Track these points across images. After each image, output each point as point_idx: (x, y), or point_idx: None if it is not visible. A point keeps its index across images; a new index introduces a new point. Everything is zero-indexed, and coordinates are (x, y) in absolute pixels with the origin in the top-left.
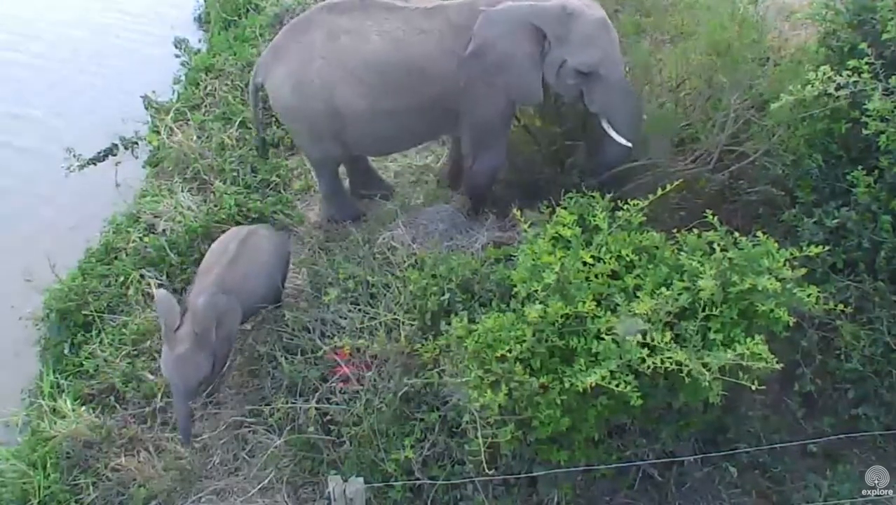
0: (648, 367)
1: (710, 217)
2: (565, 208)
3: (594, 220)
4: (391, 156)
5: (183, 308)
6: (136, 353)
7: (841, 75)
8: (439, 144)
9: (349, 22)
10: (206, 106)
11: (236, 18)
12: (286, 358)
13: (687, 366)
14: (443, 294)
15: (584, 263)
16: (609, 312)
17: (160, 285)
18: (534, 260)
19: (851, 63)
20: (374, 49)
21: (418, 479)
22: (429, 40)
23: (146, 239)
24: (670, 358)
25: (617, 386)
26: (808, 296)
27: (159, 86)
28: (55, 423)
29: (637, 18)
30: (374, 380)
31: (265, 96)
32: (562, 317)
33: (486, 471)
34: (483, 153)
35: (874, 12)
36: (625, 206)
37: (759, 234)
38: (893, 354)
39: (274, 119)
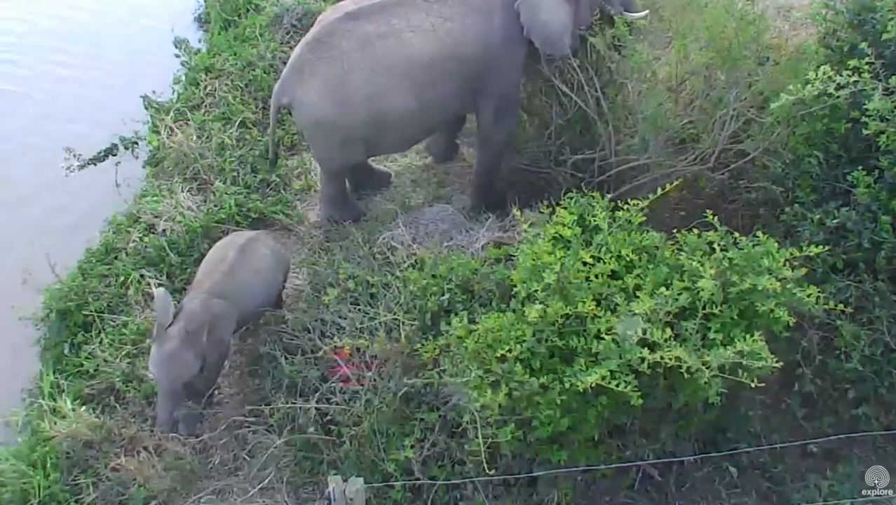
0: (648, 364)
1: (710, 217)
2: (565, 208)
3: (594, 221)
4: (391, 156)
5: (178, 308)
6: (136, 353)
7: (841, 75)
8: None
9: (376, 27)
10: (206, 106)
11: (236, 18)
12: (286, 358)
13: (686, 362)
14: (443, 294)
15: (584, 263)
16: (609, 312)
17: (160, 285)
18: (534, 260)
19: (851, 63)
20: (415, 47)
21: (418, 479)
22: (458, 25)
23: (146, 239)
24: (670, 354)
25: (617, 386)
26: (808, 296)
27: (159, 86)
28: (55, 423)
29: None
30: (374, 380)
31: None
32: (562, 317)
33: (486, 471)
34: (503, 120)
35: (874, 12)
36: (625, 207)
37: (759, 234)
38: (893, 354)
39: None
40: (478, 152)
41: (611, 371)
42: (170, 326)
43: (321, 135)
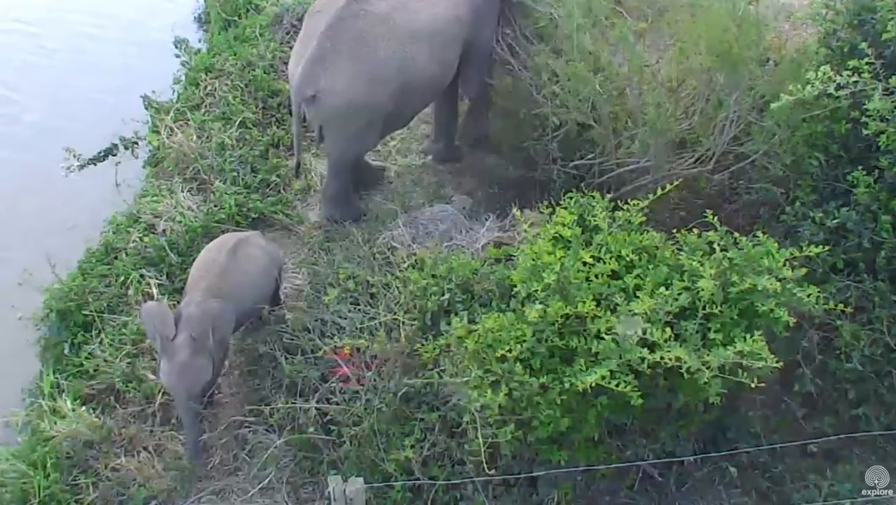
0: (648, 364)
1: (710, 217)
2: (565, 208)
3: (594, 220)
4: (391, 156)
5: (176, 315)
6: (136, 353)
7: (841, 75)
8: None
9: (386, 2)
10: (206, 106)
11: (236, 18)
12: (286, 358)
13: (686, 363)
14: (443, 294)
15: (584, 263)
16: (609, 312)
17: (160, 285)
18: (534, 260)
19: (851, 63)
20: (427, 13)
21: (418, 479)
22: None
23: (146, 239)
24: (670, 354)
25: (617, 386)
26: (808, 296)
27: (159, 86)
28: (55, 423)
29: (633, 22)
30: (374, 380)
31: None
32: (562, 317)
33: (486, 471)
34: (481, 78)
35: (874, 12)
36: (625, 206)
37: (759, 234)
38: (893, 354)
39: (274, 120)
40: (466, 94)
41: (611, 371)
42: (173, 336)
43: (347, 120)
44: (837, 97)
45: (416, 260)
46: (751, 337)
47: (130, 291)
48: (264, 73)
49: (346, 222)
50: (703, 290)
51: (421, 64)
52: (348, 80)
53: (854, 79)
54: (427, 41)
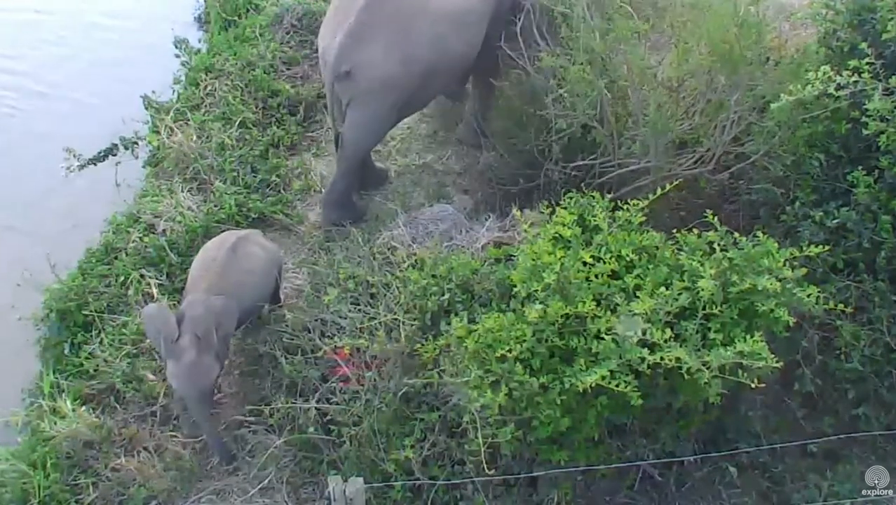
0: (648, 365)
1: (710, 217)
2: (565, 208)
3: (594, 220)
4: (391, 156)
5: (179, 316)
6: (136, 353)
7: (841, 75)
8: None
9: None
10: (206, 106)
11: (236, 18)
12: (286, 358)
13: (686, 363)
14: (443, 294)
15: (584, 263)
16: (609, 312)
17: (160, 285)
18: (534, 260)
19: (851, 63)
20: None
21: (418, 479)
22: None
23: (146, 239)
24: (670, 354)
25: (617, 386)
26: (808, 296)
27: (159, 86)
28: (55, 423)
29: (634, 23)
30: (374, 380)
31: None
32: (562, 317)
33: (486, 471)
34: (490, 66)
35: (874, 12)
36: (625, 206)
37: (759, 234)
38: (893, 354)
39: (274, 120)
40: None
41: (611, 371)
42: (178, 337)
43: (377, 97)
44: (837, 97)
45: (416, 260)
46: (751, 337)
47: (130, 291)
48: (264, 73)
49: (347, 222)
50: (703, 290)
51: (451, 42)
52: (383, 57)
53: (854, 79)
54: (458, 19)
